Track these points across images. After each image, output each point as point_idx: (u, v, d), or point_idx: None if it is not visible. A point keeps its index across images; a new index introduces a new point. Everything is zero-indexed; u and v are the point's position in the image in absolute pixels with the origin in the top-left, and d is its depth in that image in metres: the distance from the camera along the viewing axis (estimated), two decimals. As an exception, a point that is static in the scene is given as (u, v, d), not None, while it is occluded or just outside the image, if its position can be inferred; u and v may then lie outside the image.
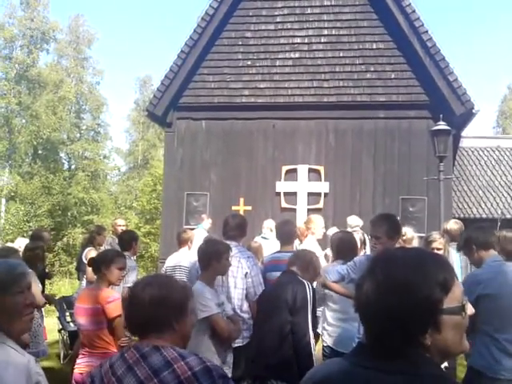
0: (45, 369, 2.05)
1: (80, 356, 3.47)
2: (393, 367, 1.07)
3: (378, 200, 9.64)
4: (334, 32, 9.99)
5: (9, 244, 9.12)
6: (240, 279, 4.06)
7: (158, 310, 1.71)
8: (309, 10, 10.07)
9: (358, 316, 1.16)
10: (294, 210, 9.62)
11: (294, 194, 9.78)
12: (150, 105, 10.47)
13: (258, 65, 10.15)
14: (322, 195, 9.72)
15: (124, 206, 31.04)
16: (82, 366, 3.39)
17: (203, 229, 7.99)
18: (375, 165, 9.78)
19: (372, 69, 9.81)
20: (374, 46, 9.85)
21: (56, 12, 62.08)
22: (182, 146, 10.39)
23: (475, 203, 14.19)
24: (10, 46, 28.15)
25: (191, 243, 5.95)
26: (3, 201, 25.99)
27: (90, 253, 6.16)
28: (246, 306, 4.08)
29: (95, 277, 3.70)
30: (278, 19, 10.14)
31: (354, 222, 6.86)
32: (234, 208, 9.60)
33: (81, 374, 3.34)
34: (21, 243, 6.27)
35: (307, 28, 10.06)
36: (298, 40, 10.07)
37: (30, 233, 8.09)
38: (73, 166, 30.57)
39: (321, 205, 9.62)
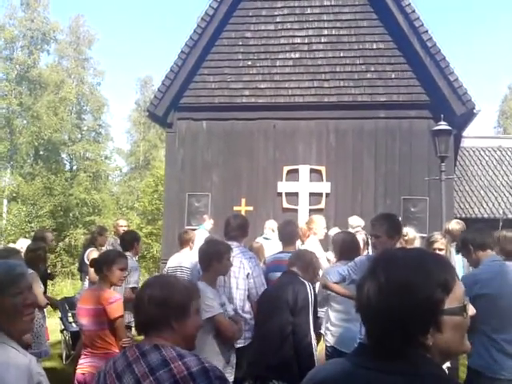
0: (47, 369, 2.06)
1: (82, 356, 3.47)
2: (393, 368, 1.07)
3: (379, 200, 9.62)
4: (334, 32, 9.98)
5: (11, 245, 9.15)
6: (242, 280, 4.07)
7: (157, 309, 1.73)
8: (309, 10, 10.06)
9: (360, 316, 1.16)
10: (296, 210, 9.60)
11: (296, 194, 9.76)
12: (151, 105, 10.46)
13: (258, 65, 10.14)
14: (324, 195, 9.70)
15: (126, 206, 31.09)
16: (84, 366, 3.40)
17: (205, 229, 7.99)
18: (376, 165, 9.76)
19: (372, 69, 9.79)
20: (374, 46, 9.83)
21: (56, 13, 62.17)
22: (182, 147, 10.39)
23: (477, 203, 14.19)
24: (11, 46, 28.19)
25: (193, 244, 5.94)
26: (5, 202, 26.01)
27: (92, 253, 6.16)
28: (247, 307, 4.08)
29: (97, 277, 3.71)
30: (278, 19, 10.13)
31: (356, 223, 6.86)
32: (235, 208, 9.58)
33: (83, 374, 3.35)
34: (23, 244, 6.29)
35: (307, 28, 10.05)
36: (298, 40, 10.06)
37: (33, 234, 8.09)
38: (74, 167, 30.62)
39: (322, 205, 9.61)
